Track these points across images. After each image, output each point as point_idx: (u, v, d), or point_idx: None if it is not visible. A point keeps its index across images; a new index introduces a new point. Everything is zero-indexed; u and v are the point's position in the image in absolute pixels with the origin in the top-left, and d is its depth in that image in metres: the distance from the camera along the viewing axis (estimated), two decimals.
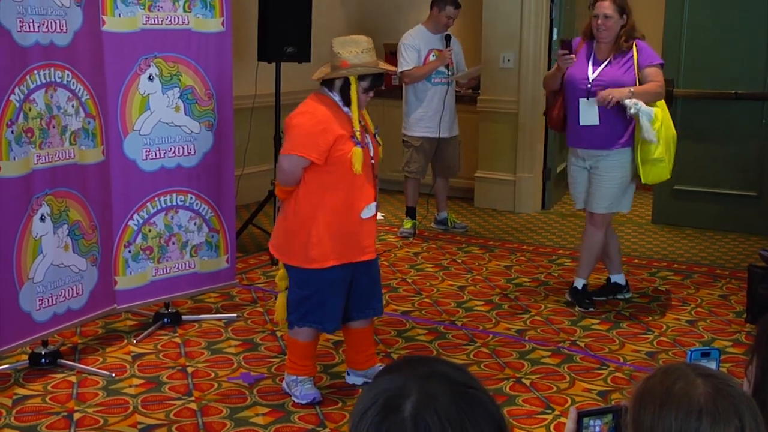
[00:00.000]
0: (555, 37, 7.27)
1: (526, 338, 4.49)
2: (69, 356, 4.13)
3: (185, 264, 4.52)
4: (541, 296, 5.17)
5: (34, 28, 3.69)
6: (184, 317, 4.64)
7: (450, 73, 6.36)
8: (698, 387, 1.38)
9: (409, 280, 5.44)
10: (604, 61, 4.69)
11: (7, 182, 3.63)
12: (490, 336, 4.51)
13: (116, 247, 4.25)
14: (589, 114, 4.67)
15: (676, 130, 4.75)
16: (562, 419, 3.54)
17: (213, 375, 3.97)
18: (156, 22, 4.25)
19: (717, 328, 4.65)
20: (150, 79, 4.26)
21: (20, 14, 3.62)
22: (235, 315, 4.74)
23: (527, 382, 3.93)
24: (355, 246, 3.62)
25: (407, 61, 6.26)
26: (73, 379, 3.90)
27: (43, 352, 4.00)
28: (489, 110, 7.35)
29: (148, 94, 4.27)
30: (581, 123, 4.70)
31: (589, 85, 4.64)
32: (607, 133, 4.66)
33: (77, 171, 3.98)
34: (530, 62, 7.14)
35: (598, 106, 4.63)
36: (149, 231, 4.35)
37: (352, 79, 3.54)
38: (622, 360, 4.21)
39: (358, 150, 3.51)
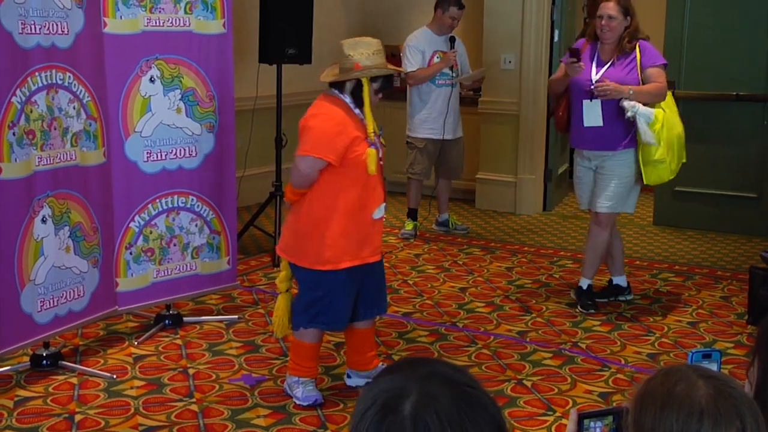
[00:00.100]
0: (556, 38, 7.28)
1: (528, 340, 4.49)
2: (70, 358, 4.13)
3: (186, 266, 4.52)
4: (543, 298, 5.17)
5: (35, 30, 3.69)
6: (185, 319, 4.64)
7: (454, 74, 6.37)
8: (699, 388, 1.38)
9: (410, 282, 5.44)
10: (607, 62, 4.70)
11: (9, 184, 3.63)
12: (492, 337, 4.51)
13: (117, 249, 4.25)
14: (592, 115, 4.67)
15: None
16: (563, 421, 3.53)
17: (214, 377, 3.97)
18: (157, 24, 4.26)
19: (718, 330, 4.65)
20: (151, 80, 4.26)
21: (22, 16, 3.62)
22: (236, 317, 4.74)
23: (528, 384, 3.93)
24: (368, 247, 3.64)
25: (412, 62, 6.27)
26: (74, 380, 3.90)
27: (44, 354, 4.00)
28: (490, 112, 7.35)
29: (150, 95, 4.27)
30: (585, 124, 4.71)
31: (592, 87, 4.65)
32: (611, 134, 4.66)
33: (78, 173, 3.98)
34: (531, 64, 7.14)
35: (602, 108, 4.63)
36: (150, 233, 4.36)
37: (365, 81, 3.55)
38: (623, 361, 4.20)
39: (372, 151, 3.54)
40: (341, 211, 3.55)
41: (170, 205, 4.41)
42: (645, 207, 7.15)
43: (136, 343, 4.34)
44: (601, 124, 4.67)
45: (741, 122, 6.52)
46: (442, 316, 4.84)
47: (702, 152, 6.46)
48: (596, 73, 4.67)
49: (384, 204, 3.67)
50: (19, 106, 3.64)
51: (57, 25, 3.80)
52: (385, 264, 5.64)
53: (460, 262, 5.90)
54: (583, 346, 4.40)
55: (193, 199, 4.49)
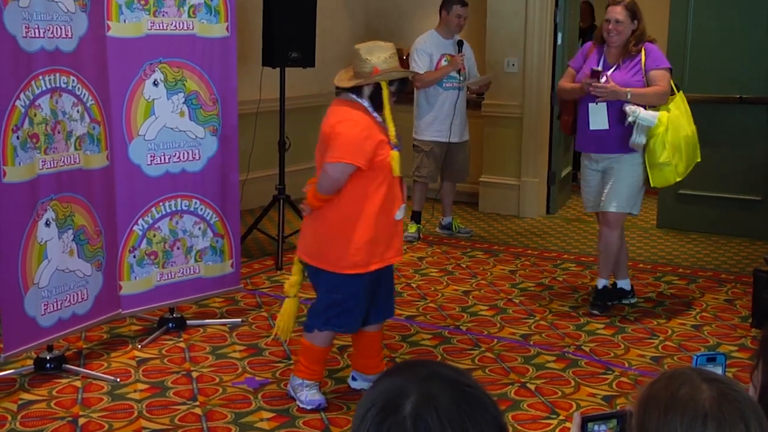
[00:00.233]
0: (559, 41, 7.28)
1: (531, 343, 4.48)
2: (74, 361, 4.13)
3: (190, 269, 4.52)
4: (546, 301, 5.16)
5: (39, 34, 3.70)
6: (188, 322, 4.64)
7: (462, 78, 6.38)
8: (703, 392, 1.38)
9: (414, 285, 5.44)
10: (613, 65, 4.70)
11: (13, 187, 3.64)
12: (495, 341, 4.51)
13: (121, 252, 4.25)
14: (598, 118, 4.68)
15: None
16: (567, 424, 3.53)
17: (218, 380, 3.97)
18: (161, 28, 4.26)
19: (722, 333, 4.64)
20: (155, 84, 4.27)
21: (26, 20, 3.63)
22: (239, 320, 4.74)
23: (532, 387, 3.92)
24: (392, 248, 3.67)
25: (419, 65, 6.27)
26: (78, 384, 3.90)
27: (48, 357, 4.01)
28: (493, 115, 7.35)
29: (153, 99, 4.27)
30: (591, 127, 4.71)
31: (590, 88, 4.64)
32: (616, 137, 4.66)
33: (82, 176, 3.99)
34: (534, 67, 7.15)
35: (608, 111, 4.64)
36: (154, 236, 4.36)
37: (384, 85, 3.57)
38: (627, 365, 4.20)
39: (395, 153, 3.57)
40: (367, 214, 3.57)
41: (174, 209, 4.42)
42: (648, 210, 7.14)
43: (139, 346, 4.34)
44: (606, 127, 4.67)
45: (745, 125, 6.52)
46: (445, 319, 4.84)
47: (705, 155, 6.42)
48: (602, 76, 4.67)
49: (404, 205, 3.70)
50: (23, 110, 3.65)
51: (61, 28, 3.81)
52: None
53: (464, 265, 5.89)
54: (587, 349, 4.40)
55: (196, 203, 4.49)
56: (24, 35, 3.63)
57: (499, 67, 7.16)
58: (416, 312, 4.94)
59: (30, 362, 4.04)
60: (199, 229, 4.52)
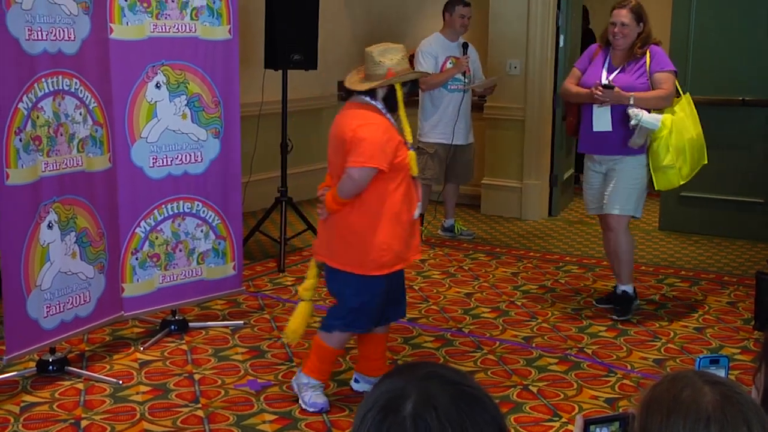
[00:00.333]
0: (561, 44, 7.28)
1: (533, 345, 4.48)
2: (76, 363, 4.14)
3: (192, 271, 4.53)
4: (548, 303, 5.16)
5: (42, 37, 3.70)
6: (190, 324, 4.64)
7: (466, 80, 6.38)
8: (706, 394, 1.38)
9: (416, 287, 5.44)
10: (618, 68, 4.70)
11: (15, 190, 3.64)
12: (497, 343, 4.50)
13: (123, 255, 4.26)
14: (602, 120, 4.68)
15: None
16: (569, 427, 3.53)
17: (220, 382, 3.97)
18: (163, 30, 4.27)
19: (725, 336, 4.64)
20: (157, 86, 4.27)
21: (28, 22, 3.64)
22: (241, 322, 4.74)
23: (534, 390, 3.92)
24: (412, 246, 3.71)
25: (424, 67, 6.28)
26: (80, 386, 3.90)
27: (50, 360, 4.01)
28: (495, 117, 7.35)
29: (156, 101, 4.28)
30: (594, 129, 4.72)
31: (593, 92, 4.65)
32: (619, 139, 4.66)
33: (85, 178, 3.99)
34: (537, 69, 7.15)
35: (611, 113, 4.64)
36: (156, 238, 4.36)
37: (398, 86, 3.59)
38: (629, 367, 4.20)
39: (412, 153, 3.63)
40: (390, 215, 3.59)
41: (176, 211, 4.42)
42: (651, 212, 7.13)
43: (141, 348, 4.34)
44: (610, 129, 4.67)
45: (747, 127, 6.51)
46: (447, 321, 4.84)
47: (708, 157, 6.44)
48: (606, 78, 4.68)
49: (420, 203, 3.74)
50: (25, 112, 3.65)
51: (63, 31, 3.81)
52: None
53: (466, 268, 5.89)
54: (589, 351, 4.40)
55: (198, 205, 4.49)
56: (27, 38, 3.64)
57: (501, 70, 7.16)
58: (418, 314, 4.94)
59: (32, 364, 4.04)
60: (202, 231, 4.53)
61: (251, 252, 6.06)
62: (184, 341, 4.47)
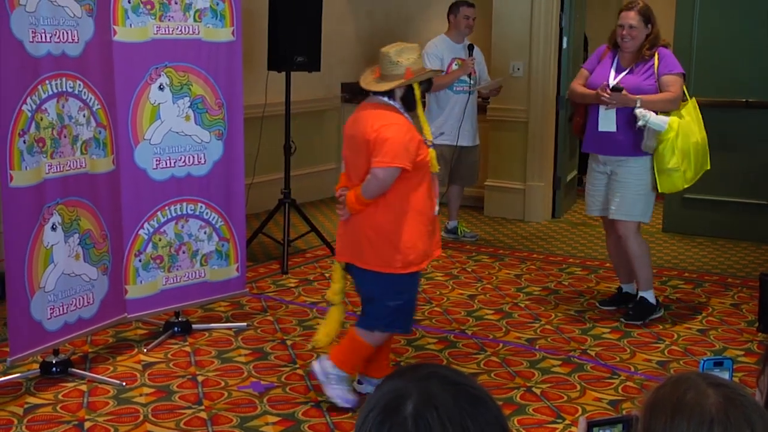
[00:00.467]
0: (565, 45, 7.28)
1: (537, 347, 4.48)
2: (80, 365, 4.14)
3: (195, 273, 4.53)
4: (552, 305, 5.16)
5: (46, 39, 3.71)
6: (194, 326, 4.64)
7: (472, 82, 6.39)
8: (709, 397, 1.37)
9: (419, 289, 5.42)
10: (626, 69, 4.70)
11: (19, 191, 3.65)
12: (501, 345, 4.50)
13: (127, 256, 4.26)
14: (607, 120, 4.68)
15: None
16: (573, 429, 3.53)
17: (223, 384, 3.97)
18: (167, 32, 4.27)
19: (728, 338, 4.63)
20: (160, 88, 4.28)
21: (32, 25, 3.64)
22: (245, 324, 4.74)
23: (538, 392, 3.92)
24: (435, 242, 3.76)
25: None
26: (83, 388, 3.91)
27: (54, 361, 4.01)
28: (499, 119, 7.35)
29: (159, 103, 4.28)
30: (599, 129, 4.72)
31: (600, 93, 4.64)
32: (624, 140, 4.66)
33: (88, 180, 4.00)
34: (540, 71, 7.15)
35: (616, 114, 4.64)
36: (159, 240, 4.37)
37: (416, 85, 3.62)
38: (633, 369, 4.19)
39: (432, 150, 3.66)
40: (414, 212, 3.62)
41: (179, 213, 4.43)
42: (654, 214, 7.05)
43: (145, 350, 4.34)
44: (614, 129, 4.67)
45: (751, 129, 6.50)
46: (451, 323, 4.84)
47: (712, 159, 6.41)
48: (614, 79, 4.68)
49: (438, 199, 3.79)
50: (29, 114, 3.66)
51: (67, 33, 3.82)
52: None
53: (469, 270, 5.89)
54: (593, 353, 4.39)
55: (201, 207, 4.50)
56: (31, 40, 3.64)
57: (504, 72, 7.16)
58: (422, 316, 4.93)
59: (36, 366, 4.05)
60: (205, 233, 4.53)
61: (254, 254, 6.06)
62: (187, 343, 4.47)
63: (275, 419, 3.63)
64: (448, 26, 6.50)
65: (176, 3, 4.29)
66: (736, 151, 6.52)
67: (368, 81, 3.68)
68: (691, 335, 4.66)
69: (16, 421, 3.57)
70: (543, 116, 7.21)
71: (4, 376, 3.96)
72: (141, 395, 3.84)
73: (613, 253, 5.09)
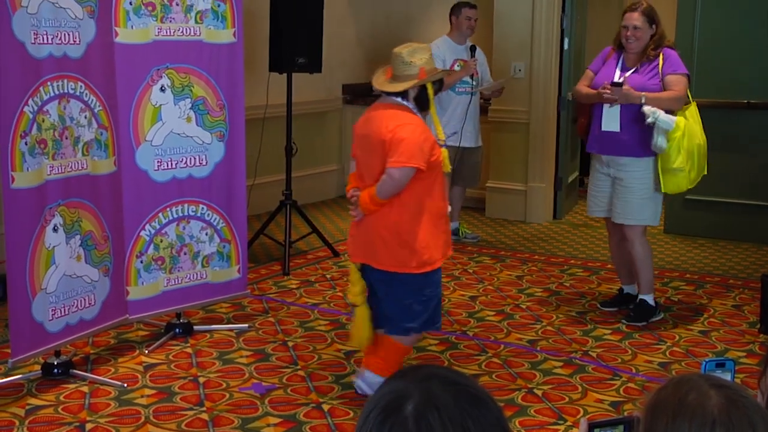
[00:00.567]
0: (566, 46, 7.28)
1: (538, 348, 4.47)
2: (81, 366, 4.14)
3: (197, 274, 4.53)
4: (553, 306, 5.15)
5: (47, 40, 3.71)
6: (195, 327, 4.64)
7: (474, 83, 6.39)
8: (711, 398, 1.37)
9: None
10: (631, 69, 4.71)
11: (21, 193, 3.65)
12: (502, 346, 4.50)
13: (128, 258, 4.26)
14: (611, 120, 4.68)
15: None
16: (574, 430, 3.52)
17: (224, 385, 3.97)
18: (168, 34, 4.28)
19: (730, 339, 4.63)
20: (162, 90, 4.28)
21: (34, 26, 3.65)
22: (246, 325, 4.74)
23: (539, 393, 3.91)
24: (448, 240, 3.80)
25: None
26: (85, 389, 3.91)
27: (55, 363, 4.01)
28: (500, 120, 7.35)
29: (160, 104, 4.29)
30: (603, 128, 4.72)
31: (601, 90, 4.65)
32: (628, 140, 4.66)
33: (90, 182, 4.00)
34: (541, 72, 7.15)
35: (620, 113, 4.64)
36: (161, 241, 4.37)
37: (429, 85, 3.64)
38: (634, 370, 4.19)
39: (445, 150, 3.68)
40: (429, 212, 3.65)
41: (180, 214, 4.43)
42: None
43: (146, 351, 4.35)
44: (618, 129, 4.66)
45: (752, 130, 6.50)
46: (452, 324, 4.84)
47: (713, 160, 6.42)
48: (618, 79, 4.68)
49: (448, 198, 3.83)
50: (31, 116, 3.66)
51: (69, 35, 3.82)
52: None
53: (470, 271, 5.89)
54: (594, 354, 4.39)
55: (203, 208, 4.50)
56: (32, 41, 3.65)
57: (506, 73, 7.16)
58: None
59: (37, 367, 4.05)
60: (206, 234, 4.53)
61: (256, 255, 6.06)
62: (188, 344, 4.47)
63: (276, 420, 3.63)
64: (449, 27, 6.50)
65: (178, 4, 4.29)
66: (738, 152, 6.52)
67: (381, 81, 3.68)
68: (692, 336, 4.66)
69: (17, 423, 3.57)
70: (544, 117, 7.20)
71: (6, 377, 3.96)
72: (142, 396, 3.84)
73: (615, 254, 5.08)
